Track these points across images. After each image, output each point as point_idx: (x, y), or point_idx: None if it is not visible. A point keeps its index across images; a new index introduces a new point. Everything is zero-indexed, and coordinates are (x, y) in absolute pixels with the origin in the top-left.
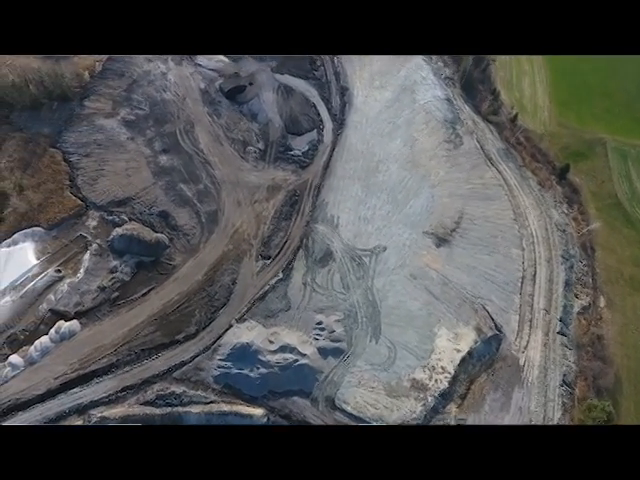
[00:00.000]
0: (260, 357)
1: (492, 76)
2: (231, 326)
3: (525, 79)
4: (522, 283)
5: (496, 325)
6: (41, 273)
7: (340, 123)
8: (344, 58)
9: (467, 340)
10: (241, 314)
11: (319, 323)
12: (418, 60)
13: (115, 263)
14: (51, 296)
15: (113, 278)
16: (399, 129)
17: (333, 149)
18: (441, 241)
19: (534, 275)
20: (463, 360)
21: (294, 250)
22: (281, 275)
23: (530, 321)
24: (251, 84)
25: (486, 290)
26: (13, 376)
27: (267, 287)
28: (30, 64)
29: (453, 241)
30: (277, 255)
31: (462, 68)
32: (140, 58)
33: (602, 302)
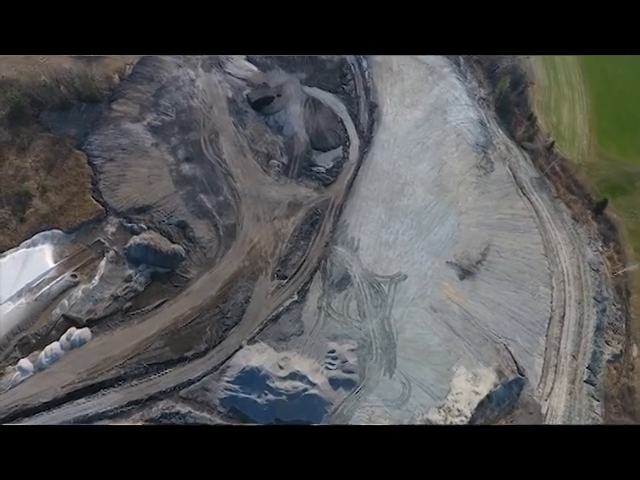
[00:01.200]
0: (269, 383)
1: (529, 99)
2: (241, 347)
3: (564, 104)
4: (549, 324)
5: (519, 368)
6: (57, 277)
7: (367, 141)
8: (375, 73)
9: (487, 382)
10: (252, 335)
11: (332, 351)
12: (452, 79)
13: (130, 272)
14: (65, 301)
15: (127, 288)
16: (428, 151)
17: (358, 168)
18: (465, 273)
19: (562, 317)
20: (481, 403)
21: (311, 271)
22: (296, 297)
23: (555, 366)
24: (279, 95)
25: (510, 329)
26: (22, 381)
27: (281, 308)
28: (62, 64)
29: (478, 274)
30: (293, 275)
31: (498, 89)
32: (170, 63)
33: (635, 351)
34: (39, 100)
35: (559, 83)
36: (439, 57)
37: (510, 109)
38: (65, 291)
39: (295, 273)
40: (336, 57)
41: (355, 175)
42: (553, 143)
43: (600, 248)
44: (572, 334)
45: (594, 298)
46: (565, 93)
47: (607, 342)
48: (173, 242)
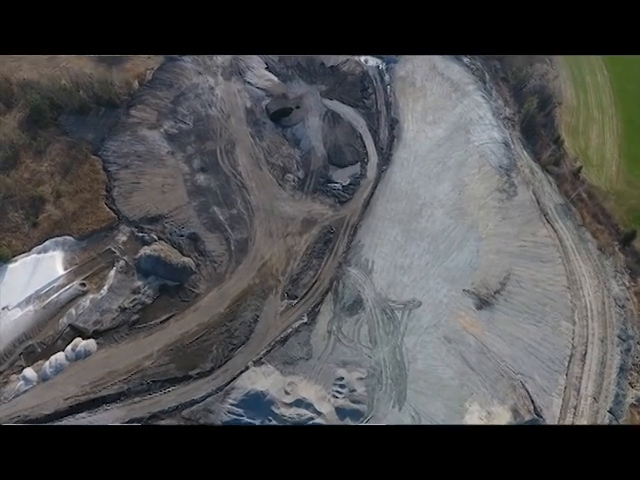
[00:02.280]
0: (274, 409)
1: (556, 120)
2: (247, 368)
3: (593, 127)
4: (570, 362)
5: (535, 408)
6: (66, 285)
7: (386, 158)
8: (398, 88)
9: (501, 421)
10: (259, 356)
11: (340, 379)
12: (477, 97)
13: (139, 284)
14: (72, 310)
15: (135, 300)
16: (448, 171)
17: (375, 186)
18: (483, 303)
19: (584, 355)
20: None
21: (322, 293)
22: (306, 319)
23: (575, 408)
24: (298, 107)
25: (528, 366)
26: (25, 391)
27: (290, 330)
28: (83, 68)
29: (496, 304)
30: (304, 296)
31: (525, 110)
32: (190, 70)
33: None
34: (58, 103)
35: (589, 105)
36: (464, 74)
37: (536, 130)
38: (73, 300)
39: (306, 293)
40: (358, 70)
41: (372, 194)
42: (580, 168)
43: (627, 282)
44: (594, 374)
45: (618, 336)
46: (595, 116)
47: (631, 384)
48: (184, 254)
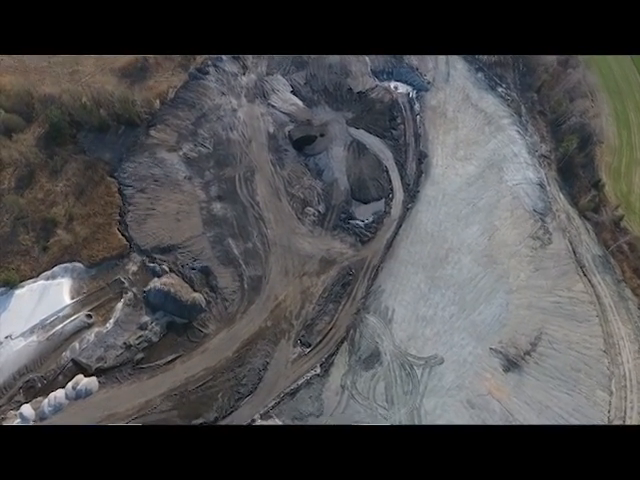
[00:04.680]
0: None
1: (596, 161)
2: (254, 421)
3: (637, 170)
4: None
5: None
6: (72, 315)
7: (412, 195)
8: (428, 118)
9: None
10: (267, 409)
11: None
12: (511, 132)
13: (146, 319)
14: (76, 344)
15: (141, 336)
16: (478, 213)
17: (400, 226)
18: (511, 364)
19: None
20: None
21: (338, 342)
22: (319, 370)
23: None
24: (322, 135)
25: None
26: None
27: (301, 381)
28: (105, 84)
29: (525, 367)
30: (318, 344)
31: (563, 149)
32: (214, 90)
33: None
34: (78, 120)
35: (632, 145)
36: (499, 106)
37: (574, 171)
38: (78, 332)
39: (320, 341)
40: (387, 97)
41: (396, 234)
42: (622, 217)
43: None
44: None
45: None
46: (638, 157)
47: None
48: (194, 290)
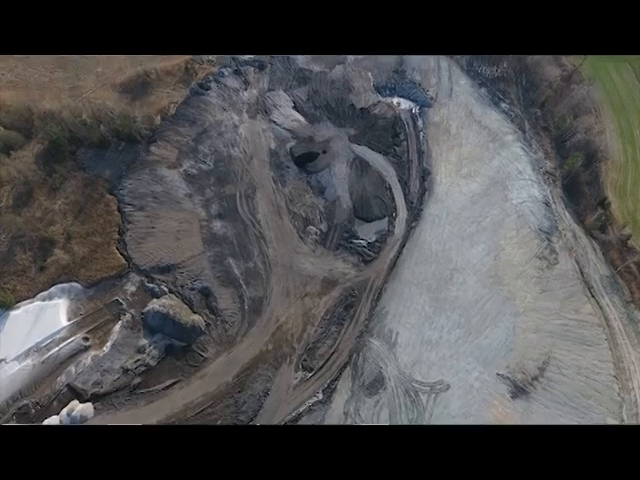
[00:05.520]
0: None
1: (601, 177)
2: None
3: None
4: None
5: None
6: (68, 338)
7: (416, 214)
8: (431, 135)
9: None
10: None
11: None
12: (516, 148)
13: (144, 342)
14: (72, 368)
15: (139, 360)
16: (483, 232)
17: (403, 245)
18: (518, 390)
19: None
20: None
21: (340, 366)
22: (321, 396)
23: None
24: (324, 152)
25: None
26: None
27: (302, 408)
28: (106, 100)
29: (533, 393)
30: (320, 368)
31: (568, 166)
32: (215, 106)
33: None
34: (78, 137)
35: (638, 162)
36: (503, 122)
37: (580, 188)
38: (74, 355)
39: (322, 366)
40: (390, 113)
41: (399, 254)
42: (629, 237)
43: None
44: None
45: None
46: None
47: None
48: (194, 311)
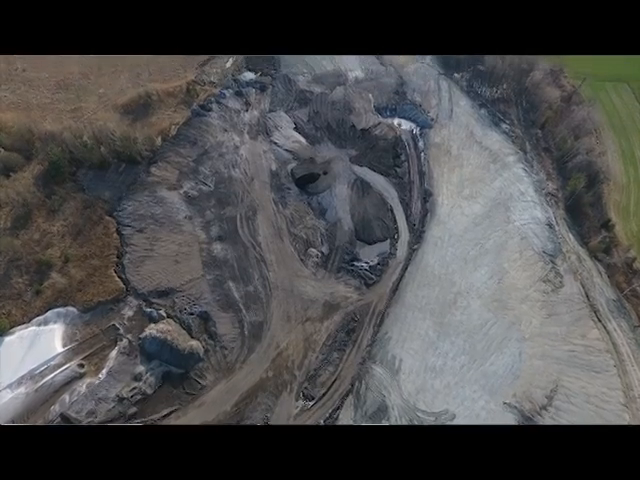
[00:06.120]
0: None
1: (604, 199)
2: None
3: None
4: None
5: None
6: (63, 364)
7: (418, 236)
8: (432, 155)
9: None
10: None
11: None
12: (517, 169)
13: (141, 369)
14: (66, 396)
15: (135, 388)
16: (486, 255)
17: (406, 268)
18: (526, 420)
19: None
20: None
21: (342, 395)
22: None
23: None
24: (325, 173)
25: None
26: None
27: None
28: (107, 121)
29: (541, 423)
30: (322, 397)
31: (570, 188)
32: (216, 127)
33: None
34: (78, 158)
35: None
36: (504, 143)
37: (583, 210)
38: (69, 383)
39: (324, 394)
40: (390, 134)
41: (402, 277)
42: (635, 259)
43: None
44: None
45: None
46: None
47: None
48: (192, 337)
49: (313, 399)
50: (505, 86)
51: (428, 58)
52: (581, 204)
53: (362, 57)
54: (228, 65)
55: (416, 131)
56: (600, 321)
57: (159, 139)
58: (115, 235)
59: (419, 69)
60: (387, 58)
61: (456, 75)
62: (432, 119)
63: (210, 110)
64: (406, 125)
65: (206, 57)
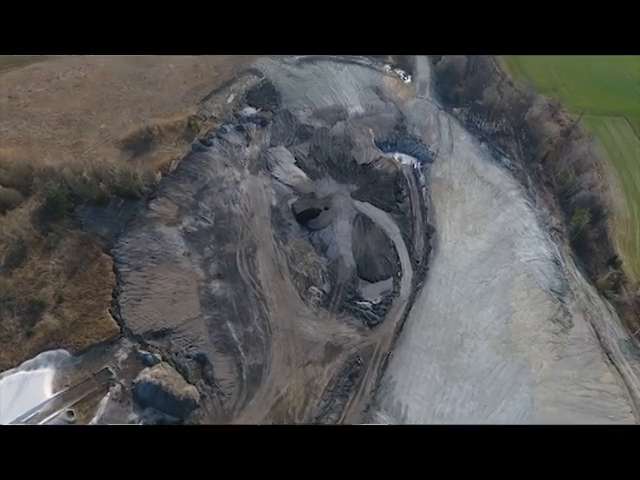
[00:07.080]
0: None
1: (609, 234)
2: None
3: None
4: None
5: None
6: (52, 412)
7: (422, 273)
8: (434, 190)
9: None
10: None
11: None
12: (520, 204)
13: (134, 417)
14: None
15: None
16: (493, 293)
17: (410, 307)
18: None
19: None
20: None
21: None
22: None
23: None
24: (326, 209)
25: None
26: None
27: None
28: (107, 157)
29: None
30: None
31: (575, 223)
32: (217, 162)
33: None
34: (76, 194)
35: None
36: (505, 177)
37: (588, 245)
38: None
39: None
40: (392, 169)
41: (406, 316)
42: None
43: None
44: None
45: None
46: None
47: None
48: (188, 382)
49: None
50: (504, 120)
51: (427, 93)
52: (586, 239)
53: (362, 93)
54: (229, 100)
55: (417, 166)
56: (613, 363)
57: (159, 174)
58: (111, 273)
59: (419, 104)
60: (386, 94)
61: (455, 110)
62: (433, 154)
63: (211, 145)
64: (407, 160)
65: (208, 92)
